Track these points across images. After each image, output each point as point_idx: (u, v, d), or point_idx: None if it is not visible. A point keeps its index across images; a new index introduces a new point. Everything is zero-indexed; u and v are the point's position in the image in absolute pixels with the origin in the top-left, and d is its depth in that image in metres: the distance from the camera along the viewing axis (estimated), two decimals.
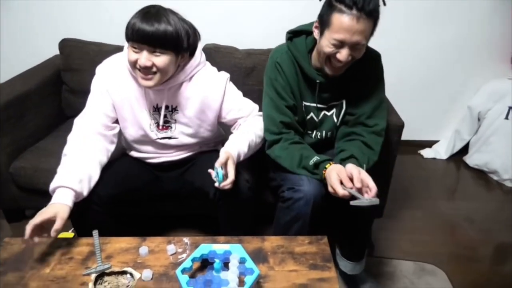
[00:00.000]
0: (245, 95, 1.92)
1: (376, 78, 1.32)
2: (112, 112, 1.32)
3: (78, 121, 1.31)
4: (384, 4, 1.15)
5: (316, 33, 1.23)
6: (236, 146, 1.25)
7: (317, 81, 1.27)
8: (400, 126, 1.50)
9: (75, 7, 2.07)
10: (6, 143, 1.63)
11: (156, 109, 1.32)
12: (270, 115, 1.32)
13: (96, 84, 1.32)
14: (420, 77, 2.37)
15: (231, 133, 1.41)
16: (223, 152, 1.18)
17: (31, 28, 2.13)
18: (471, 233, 1.86)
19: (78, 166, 1.19)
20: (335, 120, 1.38)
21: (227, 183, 1.16)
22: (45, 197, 1.66)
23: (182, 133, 1.37)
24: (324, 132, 1.40)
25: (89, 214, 1.24)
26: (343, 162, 1.23)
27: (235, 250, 1.03)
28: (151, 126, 1.34)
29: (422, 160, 2.49)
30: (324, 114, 1.37)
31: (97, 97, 1.31)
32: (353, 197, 1.11)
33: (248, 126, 1.37)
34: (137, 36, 1.13)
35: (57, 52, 1.97)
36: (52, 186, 1.14)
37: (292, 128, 1.32)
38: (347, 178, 1.13)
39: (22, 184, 1.65)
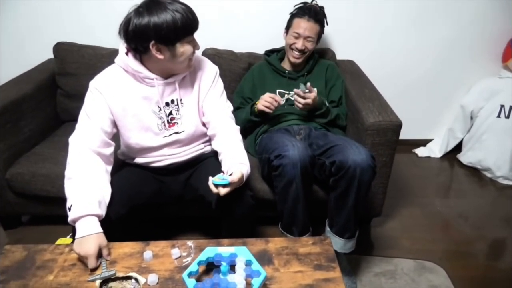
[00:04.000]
0: None
1: (336, 76, 1.85)
2: (110, 127, 1.28)
3: (73, 141, 1.25)
4: (327, 24, 1.79)
5: (284, 36, 1.80)
6: (247, 168, 1.26)
7: (286, 71, 1.81)
8: (398, 125, 1.51)
9: (68, 10, 2.05)
10: (2, 149, 1.60)
11: (161, 109, 1.32)
12: (235, 97, 1.85)
13: (93, 99, 1.27)
14: (412, 77, 2.39)
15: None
16: (239, 172, 1.19)
17: (24, 31, 2.10)
18: (466, 230, 1.89)
19: (91, 188, 1.16)
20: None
21: (219, 192, 1.16)
22: (42, 202, 1.67)
23: (189, 124, 1.37)
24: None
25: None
26: None
27: (240, 252, 1.04)
28: (159, 125, 1.34)
29: (417, 159, 2.52)
30: (289, 99, 1.73)
31: (94, 113, 1.26)
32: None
33: (236, 141, 1.36)
34: (196, 23, 1.22)
35: (51, 56, 1.95)
36: (74, 215, 1.10)
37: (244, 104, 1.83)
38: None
39: (19, 190, 1.63)
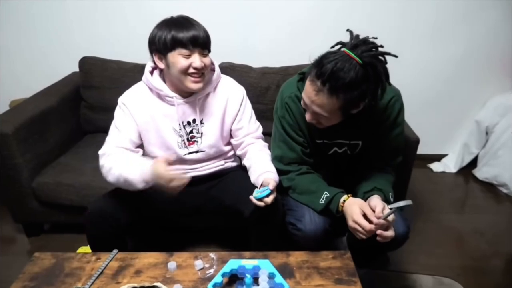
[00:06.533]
0: (259, 113, 1.97)
1: (393, 120, 1.26)
2: (137, 138, 1.34)
3: (102, 152, 1.30)
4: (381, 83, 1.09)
5: None
6: (275, 176, 1.29)
7: None
8: (416, 142, 1.54)
9: (92, 26, 2.13)
10: (29, 158, 1.65)
11: (182, 126, 1.36)
12: (278, 147, 1.34)
13: (121, 113, 1.34)
14: (427, 93, 2.40)
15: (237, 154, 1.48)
16: (272, 180, 1.23)
17: (50, 46, 2.18)
18: (483, 246, 1.88)
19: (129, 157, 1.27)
20: (348, 154, 1.35)
21: (266, 202, 1.19)
22: (65, 211, 1.72)
23: (208, 145, 1.40)
24: (336, 164, 1.40)
25: (107, 236, 1.27)
26: (366, 194, 1.23)
27: (263, 265, 1.06)
28: (179, 143, 1.37)
29: (432, 174, 2.51)
30: (335, 150, 1.34)
31: (123, 124, 1.32)
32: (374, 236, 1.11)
33: (264, 155, 1.40)
34: (191, 41, 1.21)
35: (76, 69, 2.02)
36: (139, 172, 1.18)
37: (298, 162, 1.32)
38: (372, 214, 1.10)
39: (44, 198, 1.68)
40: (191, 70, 1.24)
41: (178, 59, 1.22)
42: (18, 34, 2.15)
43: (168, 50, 1.22)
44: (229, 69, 1.97)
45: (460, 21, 2.19)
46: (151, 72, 1.34)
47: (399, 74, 2.27)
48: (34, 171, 1.68)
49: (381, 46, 1.08)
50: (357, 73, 1.01)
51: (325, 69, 1.02)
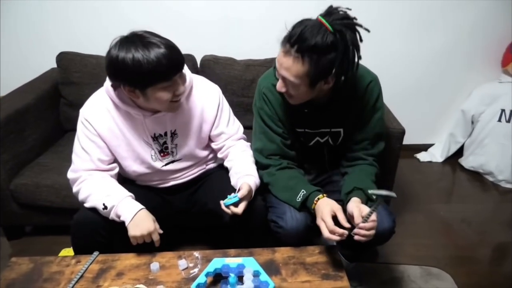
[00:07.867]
0: (244, 106, 1.95)
1: (373, 104, 1.24)
2: (108, 155, 1.23)
3: (73, 176, 1.21)
4: (361, 40, 1.10)
5: None
6: (255, 179, 1.24)
7: (305, 110, 1.23)
8: (401, 133, 1.52)
9: (70, 20, 2.06)
10: (6, 159, 1.60)
11: (155, 138, 1.26)
12: (259, 139, 1.31)
13: (85, 132, 1.20)
14: (413, 83, 2.40)
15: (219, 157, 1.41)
16: (246, 185, 1.17)
17: (27, 41, 2.11)
18: (470, 235, 1.89)
19: (112, 183, 1.20)
20: (331, 144, 1.34)
21: (235, 212, 1.14)
22: (46, 213, 1.66)
23: (183, 155, 1.32)
24: (319, 157, 1.39)
25: (95, 246, 1.19)
26: (347, 195, 1.19)
27: (248, 263, 1.04)
28: (153, 156, 1.28)
29: (419, 164, 2.52)
30: (317, 141, 1.32)
31: (88, 146, 1.20)
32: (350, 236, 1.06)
33: (246, 155, 1.34)
34: (173, 69, 1.07)
35: (54, 65, 1.96)
36: (111, 204, 1.12)
37: (279, 155, 1.30)
38: (343, 219, 1.07)
39: (23, 201, 1.62)
40: (174, 99, 1.12)
41: (161, 93, 1.08)
42: None
43: (147, 86, 1.06)
44: (212, 62, 1.93)
45: (446, 11, 2.18)
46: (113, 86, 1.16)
47: (385, 65, 2.28)
48: (12, 172, 1.63)
49: (355, 18, 1.08)
50: (325, 38, 1.00)
51: (294, 32, 1.03)
